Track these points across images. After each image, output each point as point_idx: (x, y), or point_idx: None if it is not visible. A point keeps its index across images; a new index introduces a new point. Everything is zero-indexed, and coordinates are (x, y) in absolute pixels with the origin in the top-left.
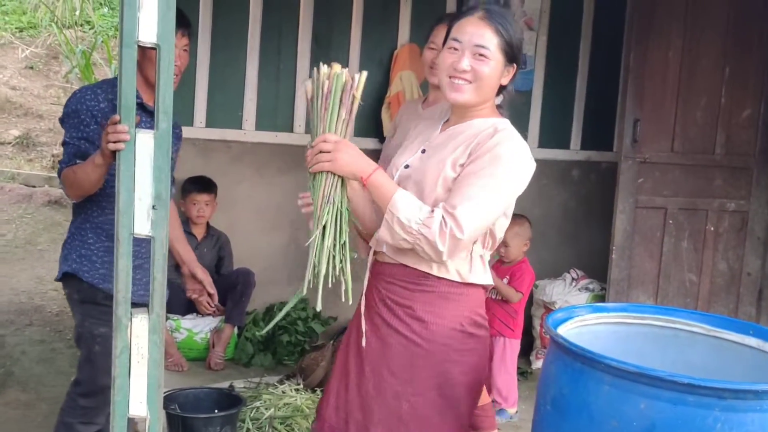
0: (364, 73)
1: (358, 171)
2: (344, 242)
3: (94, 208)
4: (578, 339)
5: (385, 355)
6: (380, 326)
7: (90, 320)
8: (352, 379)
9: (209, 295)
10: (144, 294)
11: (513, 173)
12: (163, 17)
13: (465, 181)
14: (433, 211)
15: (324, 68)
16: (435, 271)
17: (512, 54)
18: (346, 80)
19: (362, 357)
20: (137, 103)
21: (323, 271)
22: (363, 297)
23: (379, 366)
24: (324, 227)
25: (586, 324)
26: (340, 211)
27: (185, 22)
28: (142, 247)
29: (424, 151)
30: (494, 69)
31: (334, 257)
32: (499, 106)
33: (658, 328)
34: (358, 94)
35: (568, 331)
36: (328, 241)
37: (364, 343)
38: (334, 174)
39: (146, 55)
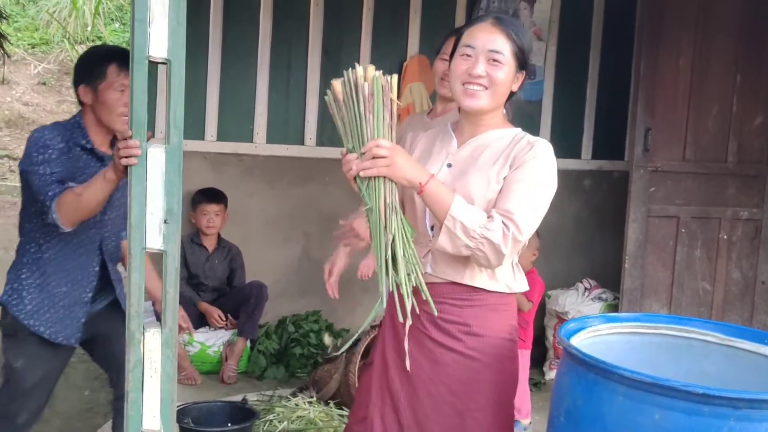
0: (395, 76)
1: (415, 178)
2: (412, 249)
3: (32, 243)
4: (591, 349)
5: (441, 375)
6: (431, 347)
7: (9, 352)
8: (402, 403)
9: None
10: (71, 337)
11: (551, 181)
12: (174, 33)
13: (514, 188)
14: (489, 216)
15: (358, 69)
16: (487, 285)
17: (523, 60)
18: (384, 83)
19: (411, 380)
20: (87, 149)
21: (404, 280)
22: (396, 319)
23: (435, 387)
24: (394, 235)
25: (599, 334)
26: (402, 218)
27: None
28: (76, 288)
29: (450, 165)
30: (508, 74)
31: (408, 264)
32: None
33: (672, 338)
34: (395, 96)
35: (581, 341)
36: (400, 250)
37: (408, 366)
38: (391, 180)
39: (99, 98)
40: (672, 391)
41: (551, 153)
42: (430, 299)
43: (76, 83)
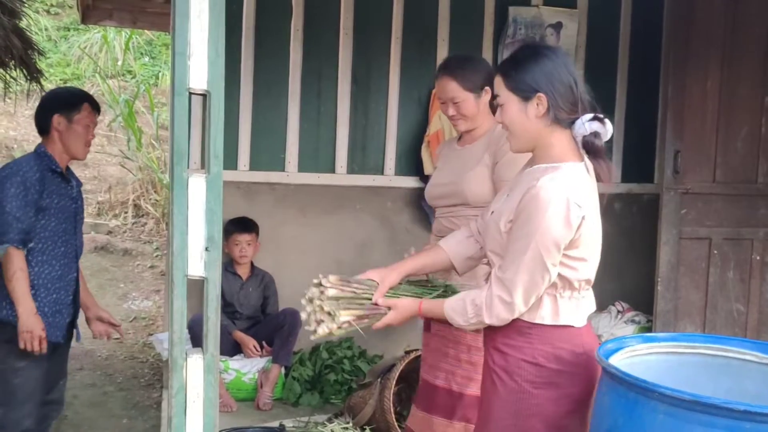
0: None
1: (409, 315)
2: None
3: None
4: (630, 369)
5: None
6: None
7: (12, 356)
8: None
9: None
10: (59, 335)
11: (545, 228)
12: (213, 64)
13: (510, 250)
14: (487, 286)
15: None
16: (525, 317)
17: (525, 86)
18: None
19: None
20: (57, 172)
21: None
22: None
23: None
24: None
25: (637, 354)
26: None
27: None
28: (62, 293)
29: (508, 195)
30: (509, 112)
31: None
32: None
33: (710, 357)
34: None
35: (619, 361)
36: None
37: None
38: None
39: (71, 127)
40: (713, 409)
41: (550, 194)
42: None
43: (50, 112)
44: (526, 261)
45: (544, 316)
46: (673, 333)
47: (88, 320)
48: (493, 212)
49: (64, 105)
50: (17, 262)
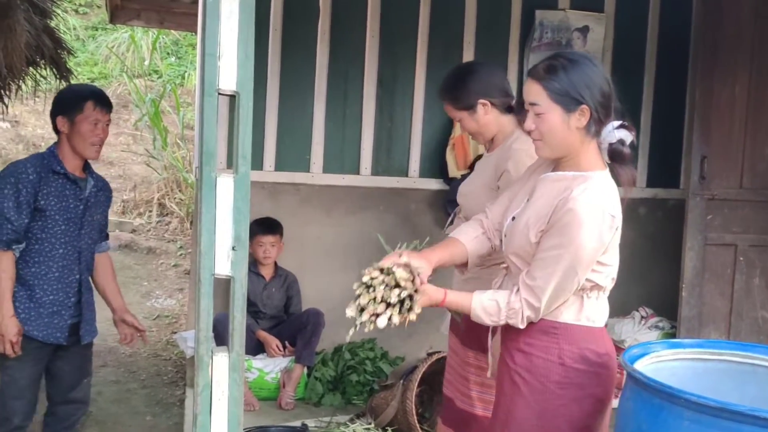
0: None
1: (432, 302)
2: None
3: (21, 262)
4: (655, 375)
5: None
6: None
7: (6, 356)
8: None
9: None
10: (60, 336)
11: (581, 242)
12: (242, 65)
13: (542, 257)
14: (515, 290)
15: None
16: (550, 317)
17: (572, 97)
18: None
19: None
20: (61, 173)
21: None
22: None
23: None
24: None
25: (661, 360)
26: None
27: (109, 103)
28: (61, 295)
29: (528, 200)
30: (552, 122)
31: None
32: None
33: (736, 364)
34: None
35: (644, 367)
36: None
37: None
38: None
39: (74, 128)
40: (739, 416)
41: (587, 206)
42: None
43: (54, 114)
44: (559, 271)
45: (571, 316)
46: (698, 339)
47: (114, 322)
48: (514, 218)
49: (66, 106)
50: (2, 264)
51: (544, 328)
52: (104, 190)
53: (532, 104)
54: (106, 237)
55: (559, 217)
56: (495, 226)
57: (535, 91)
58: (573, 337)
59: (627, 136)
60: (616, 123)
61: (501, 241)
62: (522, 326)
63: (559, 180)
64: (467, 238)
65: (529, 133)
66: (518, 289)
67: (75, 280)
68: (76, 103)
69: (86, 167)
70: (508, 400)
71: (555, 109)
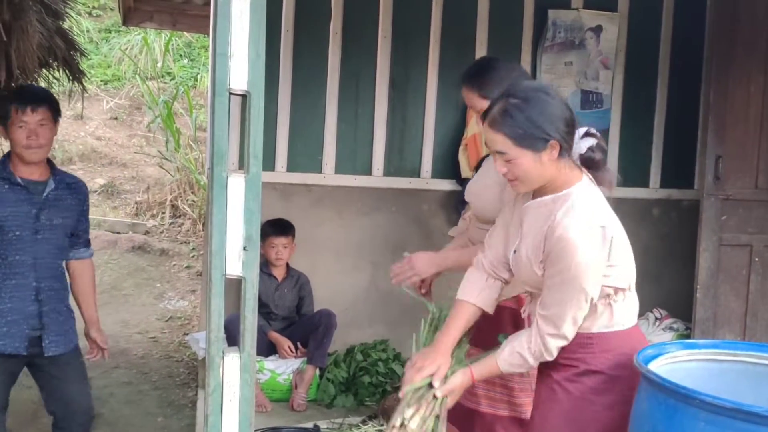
0: None
1: (464, 386)
2: None
3: None
4: (670, 376)
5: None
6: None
7: None
8: None
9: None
10: (19, 346)
11: (578, 263)
12: (253, 65)
13: (549, 285)
14: (532, 328)
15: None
16: (583, 329)
17: (537, 136)
18: None
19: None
20: (7, 179)
21: None
22: None
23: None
24: None
25: (676, 361)
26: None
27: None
28: (18, 303)
29: (521, 230)
30: (524, 164)
31: None
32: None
33: (752, 365)
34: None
35: (659, 367)
36: None
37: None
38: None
39: (9, 135)
40: (755, 417)
41: (577, 224)
42: None
43: None
44: (568, 295)
45: (603, 324)
46: (714, 340)
47: (84, 332)
48: (515, 251)
49: (1, 115)
50: None
51: (581, 341)
52: (74, 191)
53: (500, 153)
54: (87, 243)
55: (551, 246)
56: (500, 259)
57: (500, 141)
58: (608, 344)
59: (593, 141)
60: (581, 131)
61: (510, 271)
62: (554, 357)
63: (541, 207)
64: (473, 296)
65: (504, 175)
66: (535, 325)
67: (31, 287)
68: (3, 109)
69: (53, 169)
70: (545, 410)
71: (524, 153)
